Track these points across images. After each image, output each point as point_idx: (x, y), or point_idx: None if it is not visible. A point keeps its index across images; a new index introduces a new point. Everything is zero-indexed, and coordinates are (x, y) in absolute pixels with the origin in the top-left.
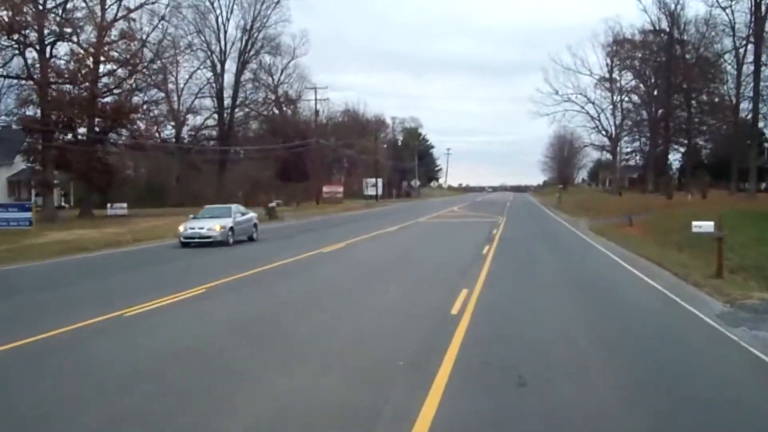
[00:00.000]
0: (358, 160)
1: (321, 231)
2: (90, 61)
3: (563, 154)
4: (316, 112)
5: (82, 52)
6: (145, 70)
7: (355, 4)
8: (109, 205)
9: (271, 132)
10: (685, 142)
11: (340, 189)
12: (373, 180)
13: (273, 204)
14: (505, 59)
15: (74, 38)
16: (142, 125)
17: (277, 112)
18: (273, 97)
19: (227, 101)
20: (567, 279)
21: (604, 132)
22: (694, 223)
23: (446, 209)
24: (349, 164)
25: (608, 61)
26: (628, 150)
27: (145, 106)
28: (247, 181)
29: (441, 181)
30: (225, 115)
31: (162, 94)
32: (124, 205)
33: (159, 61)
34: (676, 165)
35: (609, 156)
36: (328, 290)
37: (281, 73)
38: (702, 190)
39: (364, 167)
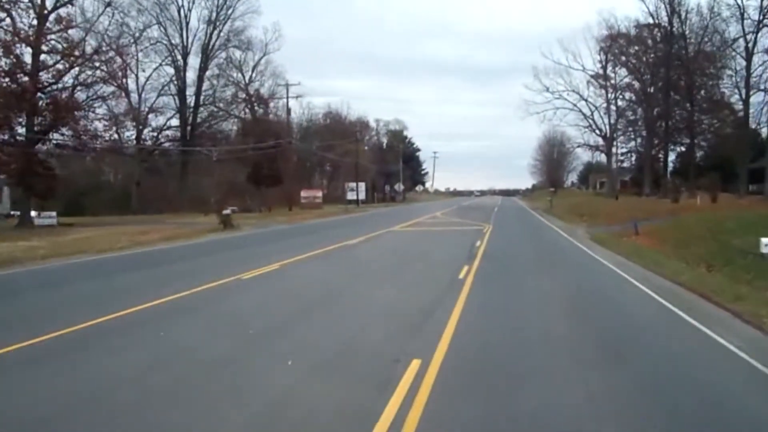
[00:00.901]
0: (341, 164)
1: (266, 245)
2: (21, 51)
3: (553, 156)
4: (288, 110)
5: (7, 39)
6: (89, 62)
7: (341, 7)
8: (35, 213)
9: (242, 132)
10: (686, 141)
11: (319, 193)
12: (354, 184)
13: (227, 211)
14: (495, 62)
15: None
16: (99, 125)
17: (248, 111)
18: (243, 95)
19: (191, 99)
20: (578, 325)
21: (598, 131)
22: (764, 240)
23: (428, 215)
24: (332, 168)
25: (602, 56)
26: (624, 150)
27: (90, 103)
28: (222, 185)
29: (428, 185)
30: (188, 114)
31: (112, 90)
32: (53, 213)
33: (111, 53)
34: (669, 166)
35: (602, 157)
36: (179, 372)
37: (252, 71)
38: (712, 192)
39: (347, 171)
